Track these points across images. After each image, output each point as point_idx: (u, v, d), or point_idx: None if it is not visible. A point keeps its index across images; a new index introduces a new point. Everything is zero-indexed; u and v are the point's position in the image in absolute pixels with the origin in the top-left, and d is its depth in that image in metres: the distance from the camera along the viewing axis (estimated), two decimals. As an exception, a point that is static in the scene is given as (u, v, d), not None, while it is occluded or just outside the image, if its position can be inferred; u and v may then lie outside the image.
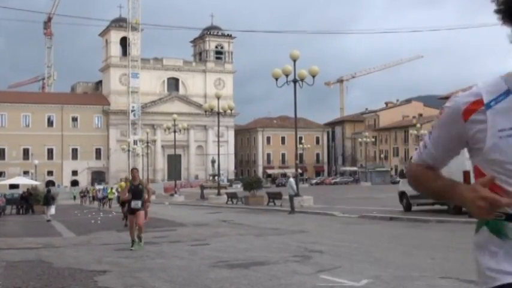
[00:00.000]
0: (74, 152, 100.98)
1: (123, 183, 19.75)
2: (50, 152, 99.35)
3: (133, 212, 12.87)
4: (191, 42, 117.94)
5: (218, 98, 40.71)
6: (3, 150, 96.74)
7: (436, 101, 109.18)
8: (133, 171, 13.53)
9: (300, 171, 54.46)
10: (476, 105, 1.70)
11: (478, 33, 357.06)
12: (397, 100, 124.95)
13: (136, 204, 12.86)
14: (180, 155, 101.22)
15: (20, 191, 46.69)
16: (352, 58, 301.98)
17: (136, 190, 12.93)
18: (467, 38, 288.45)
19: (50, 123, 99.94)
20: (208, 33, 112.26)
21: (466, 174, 18.17)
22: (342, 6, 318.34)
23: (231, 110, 46.18)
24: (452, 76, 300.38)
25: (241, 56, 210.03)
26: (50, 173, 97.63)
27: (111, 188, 44.36)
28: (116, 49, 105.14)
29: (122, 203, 19.61)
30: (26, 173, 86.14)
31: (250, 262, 9.96)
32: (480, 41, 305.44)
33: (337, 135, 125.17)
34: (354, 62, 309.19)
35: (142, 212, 12.92)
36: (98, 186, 61.96)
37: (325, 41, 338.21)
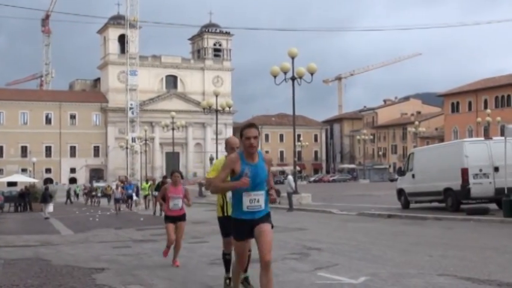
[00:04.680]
0: (72, 149, 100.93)
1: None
2: (48, 150, 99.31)
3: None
4: (189, 39, 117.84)
5: (216, 95, 40.66)
6: (1, 147, 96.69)
7: (435, 99, 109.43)
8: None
9: (298, 168, 54.47)
10: None
11: (478, 31, 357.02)
12: (396, 98, 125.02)
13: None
14: (178, 153, 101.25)
15: (18, 188, 46.58)
16: (354, 56, 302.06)
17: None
18: (467, 36, 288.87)
19: (48, 120, 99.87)
20: (207, 30, 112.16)
21: (463, 170, 18.26)
22: (343, 4, 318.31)
23: (230, 108, 46.14)
24: (451, 74, 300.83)
25: (241, 54, 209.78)
26: (48, 170, 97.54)
27: (146, 182, 33.38)
28: (114, 46, 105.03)
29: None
30: (24, 170, 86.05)
31: (248, 259, 9.93)
32: (480, 39, 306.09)
33: (336, 132, 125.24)
34: (355, 60, 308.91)
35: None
36: (113, 183, 56.71)
37: (326, 39, 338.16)
